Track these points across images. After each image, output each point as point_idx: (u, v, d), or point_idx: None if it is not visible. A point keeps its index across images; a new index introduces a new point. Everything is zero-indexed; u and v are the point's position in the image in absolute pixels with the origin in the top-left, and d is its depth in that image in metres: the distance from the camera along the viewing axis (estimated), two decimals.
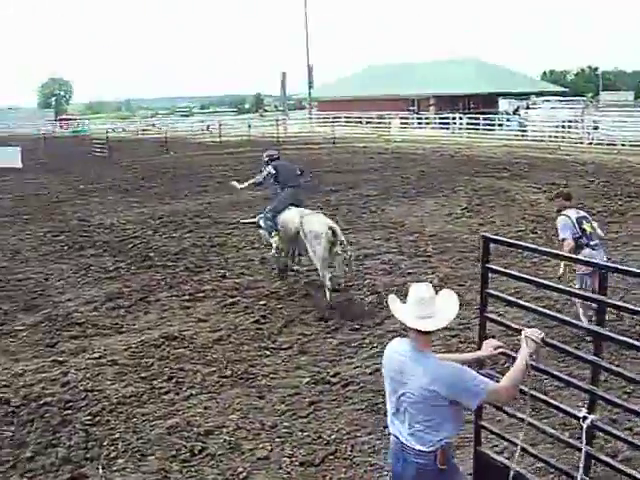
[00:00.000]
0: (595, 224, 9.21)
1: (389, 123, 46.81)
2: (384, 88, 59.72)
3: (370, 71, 70.50)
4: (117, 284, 12.04)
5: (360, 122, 50.52)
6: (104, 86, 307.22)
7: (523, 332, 4.20)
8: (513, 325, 4.92)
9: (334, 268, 10.58)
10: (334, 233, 10.37)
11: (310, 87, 64.59)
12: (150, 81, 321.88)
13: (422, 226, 16.08)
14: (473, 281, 11.39)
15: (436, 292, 4.19)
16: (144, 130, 60.76)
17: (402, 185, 22.48)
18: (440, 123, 46.39)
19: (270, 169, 11.80)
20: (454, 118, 44.06)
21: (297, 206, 11.43)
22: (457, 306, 4.16)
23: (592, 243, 8.85)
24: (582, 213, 9.23)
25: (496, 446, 5.70)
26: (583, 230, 8.87)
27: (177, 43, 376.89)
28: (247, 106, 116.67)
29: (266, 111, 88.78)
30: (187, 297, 11.15)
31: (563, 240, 8.95)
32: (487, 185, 21.86)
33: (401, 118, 48.77)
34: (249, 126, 48.87)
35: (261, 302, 10.69)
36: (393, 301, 4.23)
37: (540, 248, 5.92)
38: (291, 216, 11.15)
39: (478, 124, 41.59)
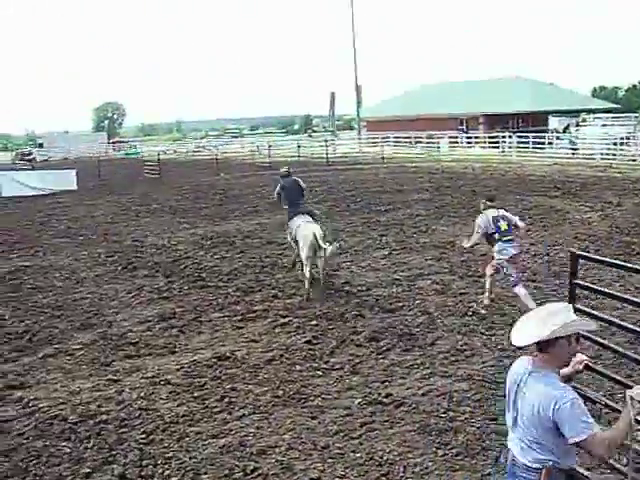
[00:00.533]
0: (517, 219, 11.04)
1: (438, 143, 46.68)
2: (433, 107, 59.68)
3: (418, 91, 70.51)
4: (170, 304, 12.20)
5: (409, 142, 50.51)
6: (156, 109, 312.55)
7: (628, 392, 4.02)
8: (606, 343, 4.96)
9: (316, 266, 12.70)
10: (316, 238, 12.29)
11: (358, 107, 64.74)
12: (201, 103, 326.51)
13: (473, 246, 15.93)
14: None
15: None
16: (195, 152, 61.72)
17: (452, 205, 22.35)
18: (490, 142, 46.10)
19: (278, 188, 14.30)
20: (504, 137, 43.74)
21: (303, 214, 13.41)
22: (562, 317, 4.00)
23: (505, 238, 10.64)
24: (501, 213, 10.96)
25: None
26: (498, 227, 10.65)
27: (227, 65, 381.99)
28: (296, 127, 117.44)
29: (315, 132, 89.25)
30: (239, 317, 11.24)
31: (477, 233, 10.98)
32: (538, 204, 21.63)
33: (450, 138, 48.61)
34: (298, 147, 49.23)
35: (312, 322, 10.71)
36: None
37: (629, 265, 5.83)
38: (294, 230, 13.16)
39: (528, 143, 41.21)
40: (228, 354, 9.45)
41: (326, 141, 50.16)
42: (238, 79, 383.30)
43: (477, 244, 11.78)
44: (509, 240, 10.72)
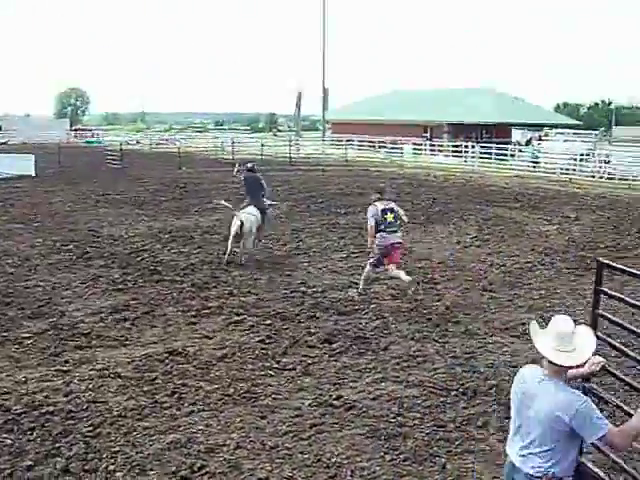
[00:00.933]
0: (401, 212, 12.13)
1: (402, 149, 46.90)
2: (398, 113, 59.97)
3: (385, 96, 70.81)
4: (124, 296, 12.06)
5: (373, 146, 50.68)
6: (120, 98, 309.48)
7: None
8: (622, 347, 5.20)
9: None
10: (242, 227, 14.28)
11: (324, 110, 64.75)
12: (166, 95, 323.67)
13: (430, 253, 16.07)
14: (479, 310, 11.42)
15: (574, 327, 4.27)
16: (158, 144, 61.17)
17: (412, 211, 22.29)
18: (453, 151, 46.46)
19: (242, 178, 16.59)
20: (467, 147, 44.13)
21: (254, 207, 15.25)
22: (594, 344, 4.26)
23: (388, 229, 11.69)
24: (390, 205, 11.95)
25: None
26: (385, 218, 11.66)
27: (194, 59, 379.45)
28: (261, 125, 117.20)
29: (279, 131, 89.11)
30: (193, 313, 11.15)
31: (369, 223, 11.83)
32: (497, 215, 21.89)
33: (414, 144, 48.89)
34: (262, 145, 49.05)
35: (267, 322, 10.67)
36: (534, 331, 4.32)
37: None
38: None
39: (491, 154, 41.64)
40: (180, 349, 9.36)
41: (290, 141, 50.09)
42: (204, 73, 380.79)
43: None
44: (393, 231, 11.78)
